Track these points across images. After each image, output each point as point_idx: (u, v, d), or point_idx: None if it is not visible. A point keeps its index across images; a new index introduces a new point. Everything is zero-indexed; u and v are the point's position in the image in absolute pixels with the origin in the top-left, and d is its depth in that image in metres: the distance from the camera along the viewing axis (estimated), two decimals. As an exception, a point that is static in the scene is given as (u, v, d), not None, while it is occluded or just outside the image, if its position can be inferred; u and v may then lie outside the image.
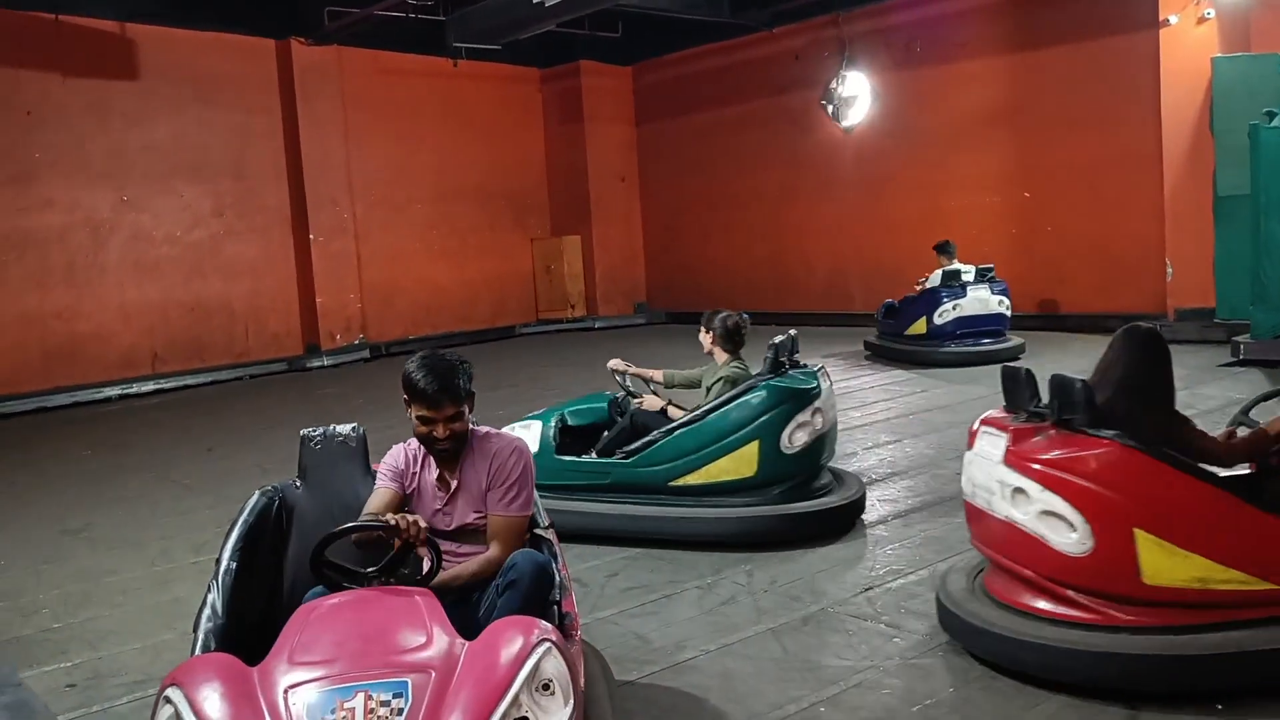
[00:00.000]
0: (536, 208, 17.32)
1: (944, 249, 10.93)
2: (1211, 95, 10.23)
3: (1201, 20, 10.48)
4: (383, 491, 3.00)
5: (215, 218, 13.54)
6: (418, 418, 2.94)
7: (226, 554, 2.92)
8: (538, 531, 3.09)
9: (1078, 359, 9.81)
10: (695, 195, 16.65)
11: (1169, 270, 10.88)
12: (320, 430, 3.32)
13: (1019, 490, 3.26)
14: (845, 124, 14.27)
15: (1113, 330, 11.02)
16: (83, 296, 12.44)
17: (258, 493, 3.20)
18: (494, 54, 14.11)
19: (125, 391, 12.33)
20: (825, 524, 4.83)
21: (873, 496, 5.54)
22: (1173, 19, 10.57)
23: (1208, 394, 7.69)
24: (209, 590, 2.79)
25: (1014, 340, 10.43)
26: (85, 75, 12.34)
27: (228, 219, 13.66)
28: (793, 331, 5.27)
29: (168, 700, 2.27)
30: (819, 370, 5.16)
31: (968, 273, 10.41)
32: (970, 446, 3.70)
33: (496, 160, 16.56)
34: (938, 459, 6.28)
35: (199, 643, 2.68)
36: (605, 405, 5.52)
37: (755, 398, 4.88)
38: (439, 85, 15.45)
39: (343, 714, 2.18)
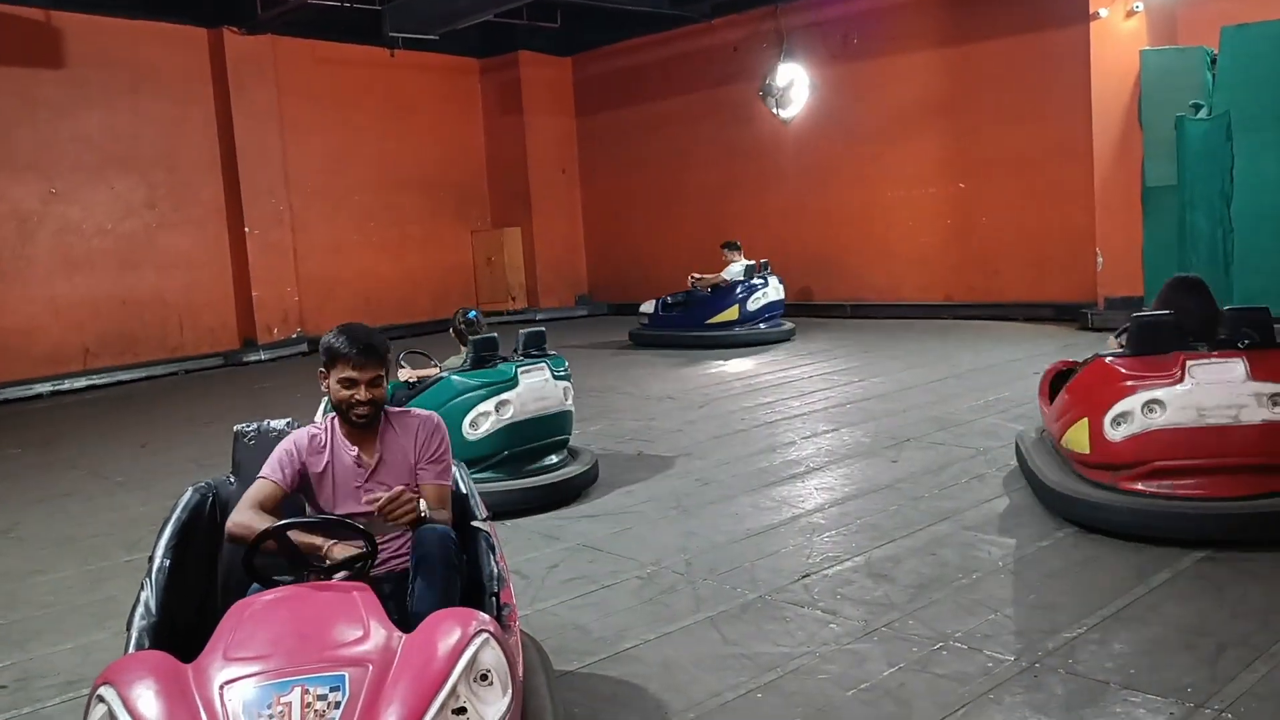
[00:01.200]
0: (477, 199, 17.22)
1: (733, 246, 12.20)
2: (1140, 88, 10.48)
3: (1130, 14, 10.72)
4: (265, 484, 2.90)
5: (148, 209, 13.28)
6: (339, 381, 2.93)
7: (160, 551, 2.87)
8: (475, 524, 3.08)
9: (996, 344, 10.02)
10: (637, 187, 16.68)
11: (1099, 260, 11.13)
12: (254, 425, 3.29)
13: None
14: (784, 115, 14.39)
15: (1045, 319, 11.41)
16: (9, 291, 12.13)
17: (191, 489, 3.14)
18: (432, 44, 13.99)
19: (56, 388, 12.06)
20: (544, 498, 5.46)
21: (810, 485, 5.62)
22: (1103, 12, 10.79)
23: (1135, 381, 7.87)
24: (142, 588, 2.75)
25: (789, 324, 12.08)
26: (10, 64, 12.01)
27: (161, 211, 13.40)
28: (542, 328, 6.20)
29: (100, 699, 2.23)
30: (540, 364, 5.85)
31: (753, 266, 11.91)
32: (1177, 382, 4.34)
33: (437, 151, 16.43)
34: (874, 447, 6.37)
35: (132, 641, 2.65)
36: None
37: (439, 390, 5.68)
38: (377, 75, 15.28)
39: (279, 709, 2.16)
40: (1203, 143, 9.44)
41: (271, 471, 2.92)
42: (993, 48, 12.28)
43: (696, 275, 12.11)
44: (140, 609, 2.70)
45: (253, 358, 13.69)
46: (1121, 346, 4.79)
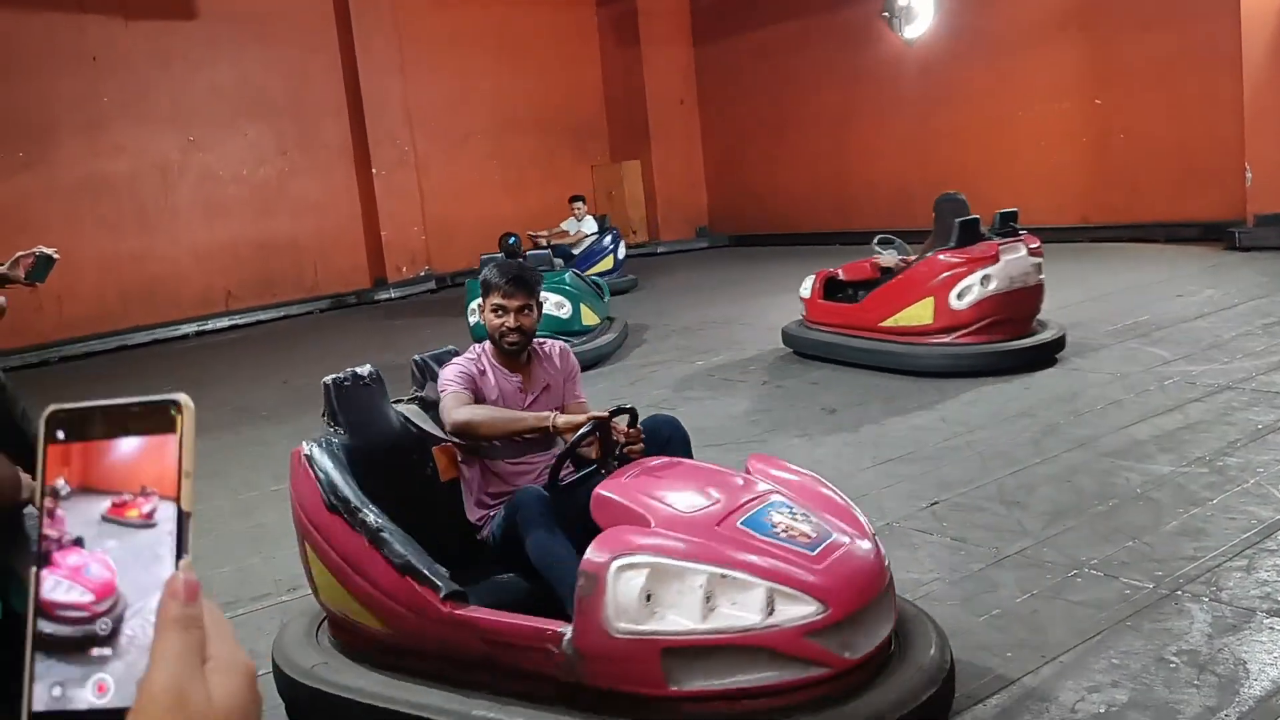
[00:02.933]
0: (595, 134, 17.21)
1: (579, 199, 12.48)
2: (1296, -12, 9.75)
3: (1285, -92, 9.94)
4: (463, 394, 3.03)
5: (279, 156, 13.72)
6: (492, 309, 3.12)
7: (371, 516, 2.73)
8: None
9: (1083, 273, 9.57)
10: (755, 117, 16.39)
11: (1248, 174, 10.49)
12: (344, 375, 3.18)
13: None
14: (907, 35, 13.89)
15: (1189, 239, 10.97)
16: (156, 240, 12.75)
17: (313, 446, 2.95)
18: (548, -21, 13.93)
19: (201, 329, 12.68)
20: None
21: (939, 412, 5.52)
22: (1254, -92, 10.04)
23: (1288, 301, 7.47)
24: (382, 546, 2.69)
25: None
26: (146, 18, 12.48)
27: (291, 156, 13.82)
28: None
29: (629, 568, 2.34)
30: None
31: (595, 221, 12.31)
32: (996, 261, 6.21)
33: (553, 88, 16.43)
34: (1005, 374, 6.21)
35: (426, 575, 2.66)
36: None
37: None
38: (493, 15, 15.33)
39: (781, 525, 2.47)
40: (1368, 43, 8.76)
41: (461, 386, 3.05)
42: (1132, -49, 11.57)
43: (546, 232, 12.03)
44: (416, 565, 2.66)
45: (383, 296, 14.12)
46: (897, 254, 7.02)
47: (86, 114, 12.12)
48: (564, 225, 12.29)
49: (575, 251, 11.68)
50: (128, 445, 0.63)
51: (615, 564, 2.36)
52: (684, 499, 2.57)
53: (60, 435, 0.63)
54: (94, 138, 12.22)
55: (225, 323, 12.93)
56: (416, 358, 3.46)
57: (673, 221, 17.18)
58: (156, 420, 0.64)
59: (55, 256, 3.30)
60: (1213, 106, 10.98)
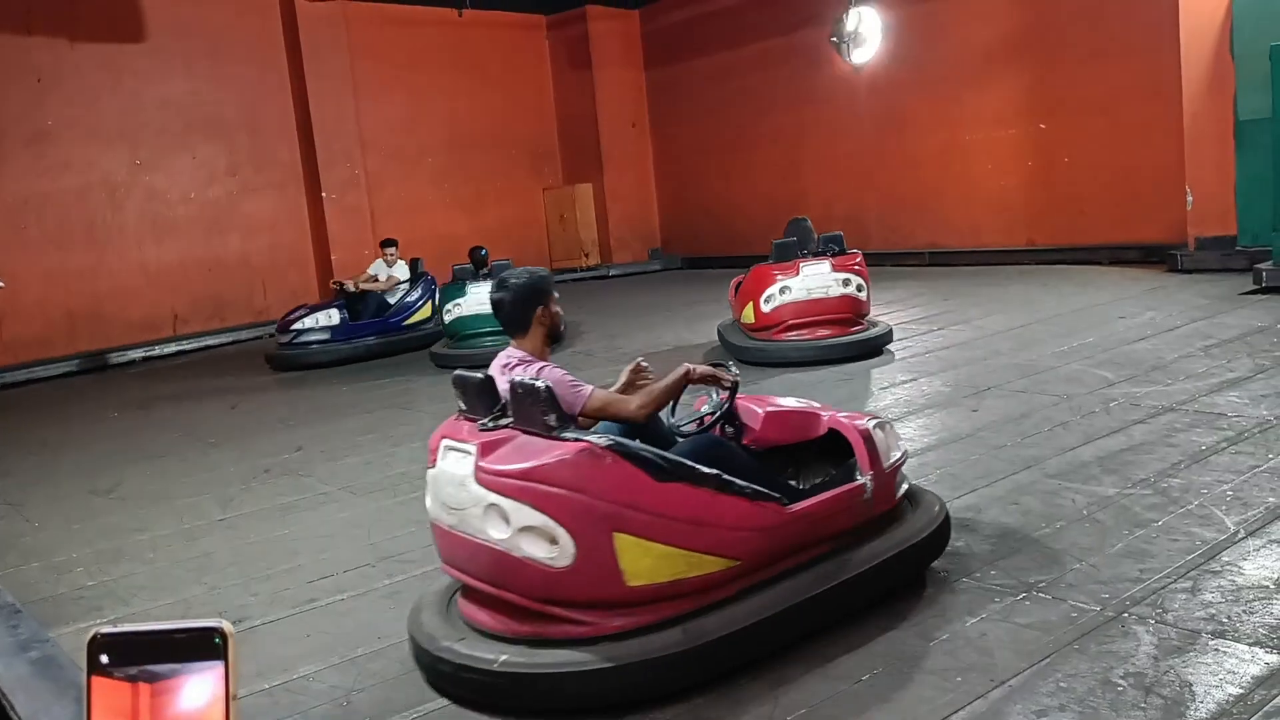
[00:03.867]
0: (548, 156, 17.24)
1: (390, 243, 11.27)
2: (1231, 19, 10.03)
3: (1220, -59, 10.23)
4: (597, 389, 3.33)
5: (229, 176, 13.58)
6: (558, 305, 3.52)
7: (701, 468, 3.04)
8: None
9: (992, 302, 9.76)
10: (708, 138, 16.52)
11: (1189, 198, 10.75)
12: (472, 373, 3.35)
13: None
14: (856, 61, 14.08)
15: (1132, 261, 11.12)
16: (103, 258, 12.55)
17: (603, 441, 2.91)
18: (500, 2, 13.96)
19: (149, 354, 12.47)
20: None
21: (889, 435, 5.56)
22: (1191, -59, 10.33)
23: (1229, 323, 7.63)
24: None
25: None
26: (95, 39, 12.32)
27: (243, 176, 13.69)
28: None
29: (875, 426, 3.65)
30: None
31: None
32: (796, 275, 7.66)
33: (507, 109, 16.46)
34: (954, 396, 6.29)
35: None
36: None
37: None
38: (446, 35, 15.33)
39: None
40: (1300, 73, 9.02)
41: (586, 381, 3.32)
42: (1075, -19, 11.84)
43: (341, 281, 11.27)
44: (760, 489, 3.13)
45: (334, 319, 13.96)
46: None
47: (31, 131, 11.92)
48: (371, 270, 11.22)
49: (391, 300, 10.91)
50: (180, 684, 0.64)
51: (871, 425, 3.57)
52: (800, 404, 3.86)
53: (104, 660, 0.64)
54: (39, 154, 12.02)
55: (173, 348, 12.73)
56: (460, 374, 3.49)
57: (626, 244, 17.22)
58: (201, 647, 0.65)
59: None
60: (1154, 133, 11.25)
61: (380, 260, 11.25)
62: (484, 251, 10.51)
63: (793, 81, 15.07)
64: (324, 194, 14.05)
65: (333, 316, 10.51)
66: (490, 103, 16.19)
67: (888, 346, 7.96)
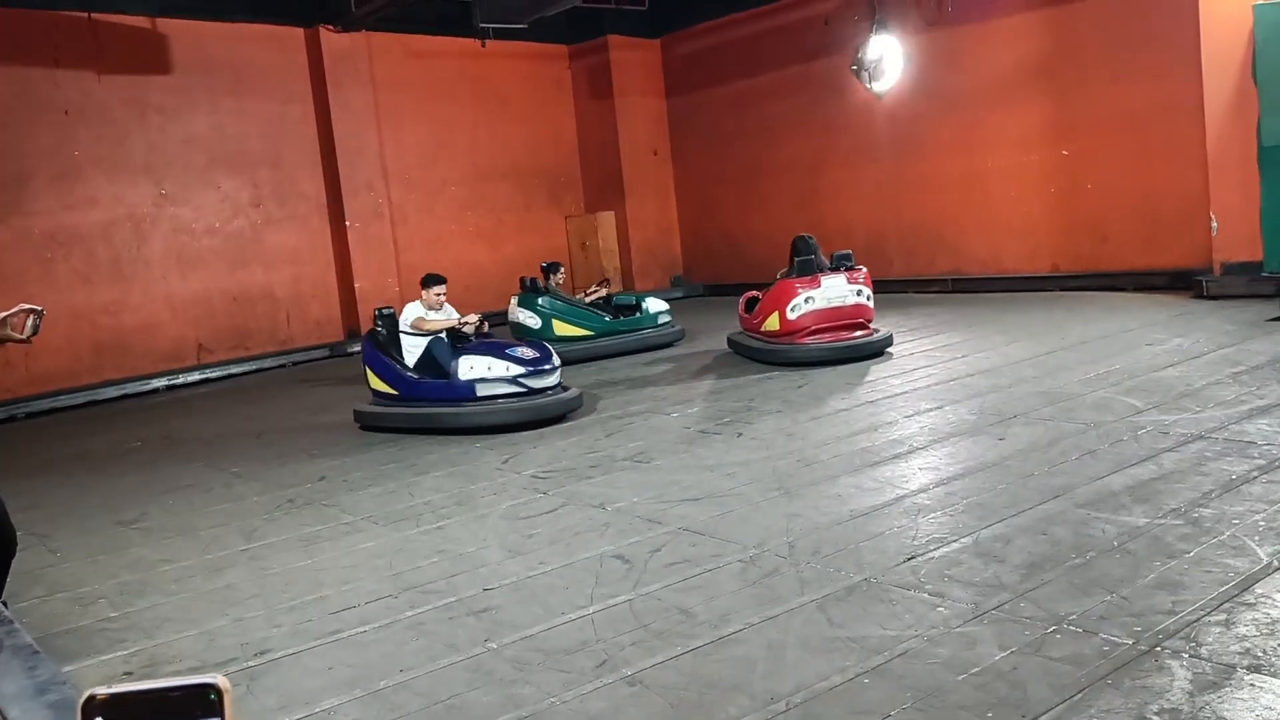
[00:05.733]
0: (570, 184, 17.33)
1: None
2: (1254, 43, 9.99)
3: (1242, -34, 10.20)
4: None
5: (254, 208, 13.71)
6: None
7: None
8: None
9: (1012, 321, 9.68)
10: (729, 166, 16.57)
11: (1214, 224, 10.66)
12: None
13: None
14: (877, 88, 14.10)
15: (1158, 287, 11.31)
16: (130, 291, 12.67)
17: None
18: (521, 33, 14.09)
19: (172, 383, 12.56)
20: None
21: (914, 464, 5.53)
22: (1212, -34, 10.31)
23: (1256, 349, 7.55)
24: None
25: None
26: (121, 72, 12.51)
27: (266, 208, 13.82)
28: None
29: None
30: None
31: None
32: (818, 287, 8.98)
33: (529, 139, 16.57)
34: (979, 424, 6.23)
35: None
36: None
37: None
38: (468, 66, 15.47)
39: None
40: (1325, 97, 8.96)
41: None
42: (1095, 6, 11.84)
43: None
44: None
45: (356, 348, 14.02)
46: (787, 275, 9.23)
47: (59, 166, 12.09)
48: (433, 314, 10.45)
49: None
50: None
51: None
52: None
53: None
54: (66, 189, 12.17)
55: (196, 376, 12.82)
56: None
57: (648, 271, 17.25)
58: (197, 704, 0.64)
59: (43, 311, 3.56)
60: (1178, 158, 11.19)
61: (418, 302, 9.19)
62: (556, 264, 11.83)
63: (813, 109, 15.11)
64: (347, 223, 14.16)
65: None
66: (512, 132, 16.31)
67: (888, 349, 9.31)
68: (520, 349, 7.93)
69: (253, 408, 10.53)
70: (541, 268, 11.62)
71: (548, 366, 7.78)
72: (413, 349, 8.16)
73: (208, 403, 11.31)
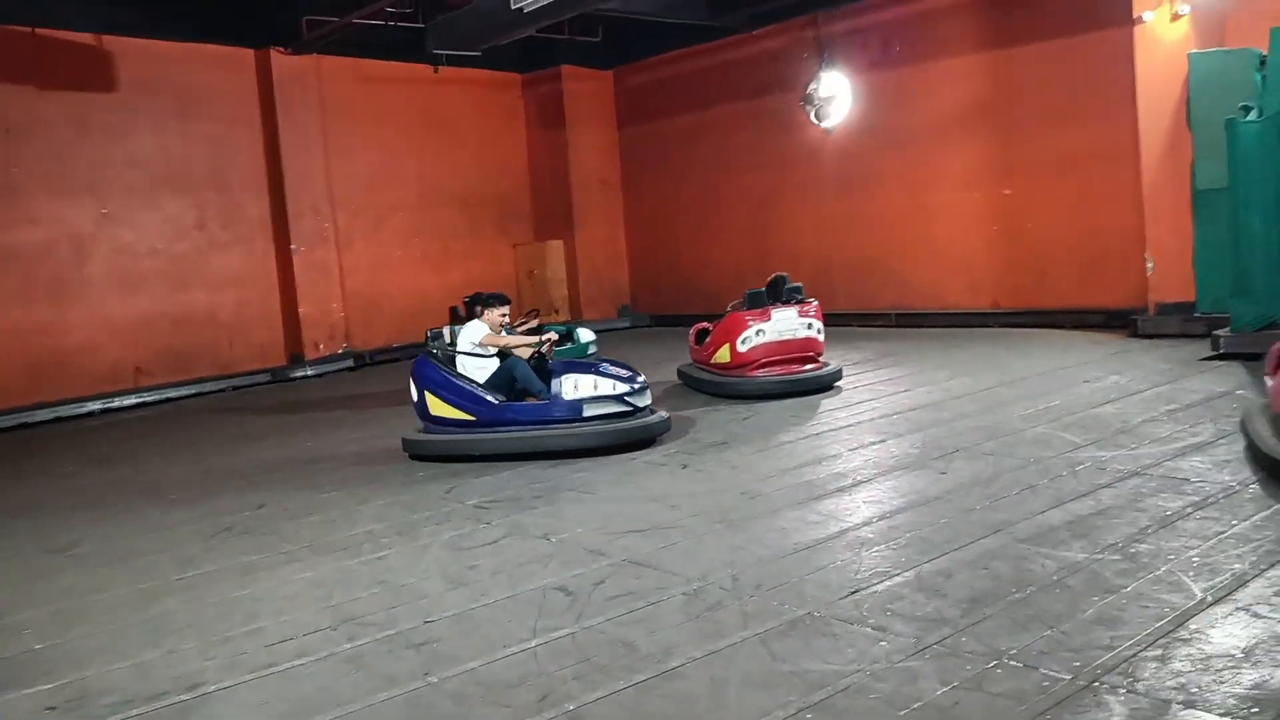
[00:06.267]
0: (519, 213, 17.32)
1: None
2: (1188, 90, 10.30)
3: (1176, 17, 10.54)
4: None
5: (197, 230, 13.52)
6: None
7: None
8: None
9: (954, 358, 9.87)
10: (679, 197, 16.68)
11: (1149, 265, 10.94)
12: None
13: None
14: (825, 124, 14.32)
15: (1095, 325, 11.66)
16: (69, 311, 12.39)
17: None
18: (474, 60, 14.09)
19: (107, 406, 12.29)
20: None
21: (857, 498, 5.57)
22: (1147, 16, 10.62)
23: (1190, 387, 7.73)
24: None
25: None
26: (64, 89, 12.29)
27: (210, 230, 13.63)
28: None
29: None
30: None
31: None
32: (768, 320, 9.08)
33: (479, 166, 16.56)
34: (922, 458, 6.30)
35: None
36: None
37: None
38: (420, 92, 15.44)
39: None
40: (1255, 145, 9.23)
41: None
42: (1035, 51, 12.14)
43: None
44: None
45: (299, 373, 13.86)
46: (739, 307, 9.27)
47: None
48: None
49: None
50: None
51: None
52: None
53: None
54: (4, 206, 11.91)
55: (133, 400, 12.55)
56: None
57: (595, 301, 17.26)
58: None
59: None
60: (1115, 200, 11.48)
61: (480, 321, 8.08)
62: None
63: (762, 143, 15.28)
64: (293, 247, 14.00)
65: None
66: (462, 159, 16.28)
67: (837, 383, 9.32)
68: (611, 367, 7.56)
69: (191, 432, 10.33)
70: (465, 301, 10.57)
71: (641, 384, 7.48)
72: (478, 370, 7.62)
73: (145, 427, 11.08)
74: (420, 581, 4.76)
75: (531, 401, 7.44)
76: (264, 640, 4.16)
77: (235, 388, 13.39)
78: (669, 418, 7.64)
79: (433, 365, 7.60)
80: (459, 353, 7.68)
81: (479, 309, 7.96)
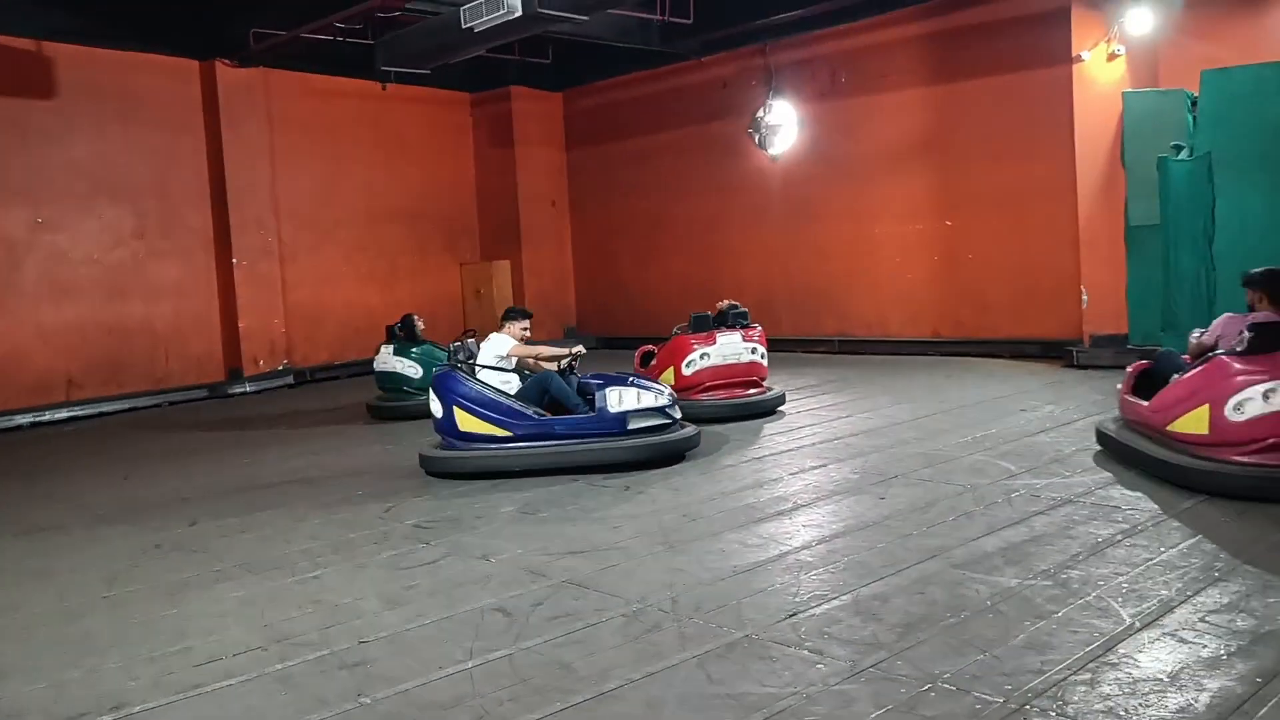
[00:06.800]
0: (467, 231, 17.25)
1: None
2: (1123, 128, 10.59)
3: (1112, 57, 10.85)
4: None
5: (136, 239, 13.25)
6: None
7: None
8: None
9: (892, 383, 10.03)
10: (626, 220, 16.74)
11: (1084, 298, 11.19)
12: None
13: None
14: (772, 152, 14.48)
15: (1032, 355, 11.94)
16: (-2, 319, 12.09)
17: None
18: (424, 78, 14.05)
19: (38, 419, 11.98)
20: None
21: (797, 522, 5.60)
22: (1085, 55, 10.93)
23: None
24: None
25: None
26: (2, 94, 12.02)
27: (150, 240, 13.38)
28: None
29: None
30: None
31: None
32: (714, 344, 9.19)
33: (427, 184, 16.48)
34: (861, 484, 6.36)
35: None
36: None
37: None
38: (368, 108, 15.35)
39: None
40: (1185, 183, 9.53)
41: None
42: (977, 86, 12.41)
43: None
44: None
45: (237, 390, 13.63)
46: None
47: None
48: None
49: None
50: None
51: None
52: None
53: None
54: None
55: (65, 414, 12.24)
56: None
57: (542, 321, 17.14)
58: None
59: None
60: (1052, 234, 11.75)
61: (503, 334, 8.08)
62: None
63: (709, 169, 15.41)
64: (234, 260, 13.79)
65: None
66: (410, 177, 16.20)
67: (780, 408, 9.40)
68: (642, 380, 7.60)
69: (124, 448, 10.09)
70: (402, 319, 11.06)
71: (673, 397, 7.51)
72: (505, 384, 7.51)
73: (75, 441, 10.80)
74: (356, 601, 4.69)
75: (585, 415, 7.30)
76: (192, 660, 4.06)
77: (171, 403, 13.13)
78: (699, 432, 7.65)
79: (462, 379, 7.33)
80: (484, 366, 7.57)
81: (501, 323, 7.94)
